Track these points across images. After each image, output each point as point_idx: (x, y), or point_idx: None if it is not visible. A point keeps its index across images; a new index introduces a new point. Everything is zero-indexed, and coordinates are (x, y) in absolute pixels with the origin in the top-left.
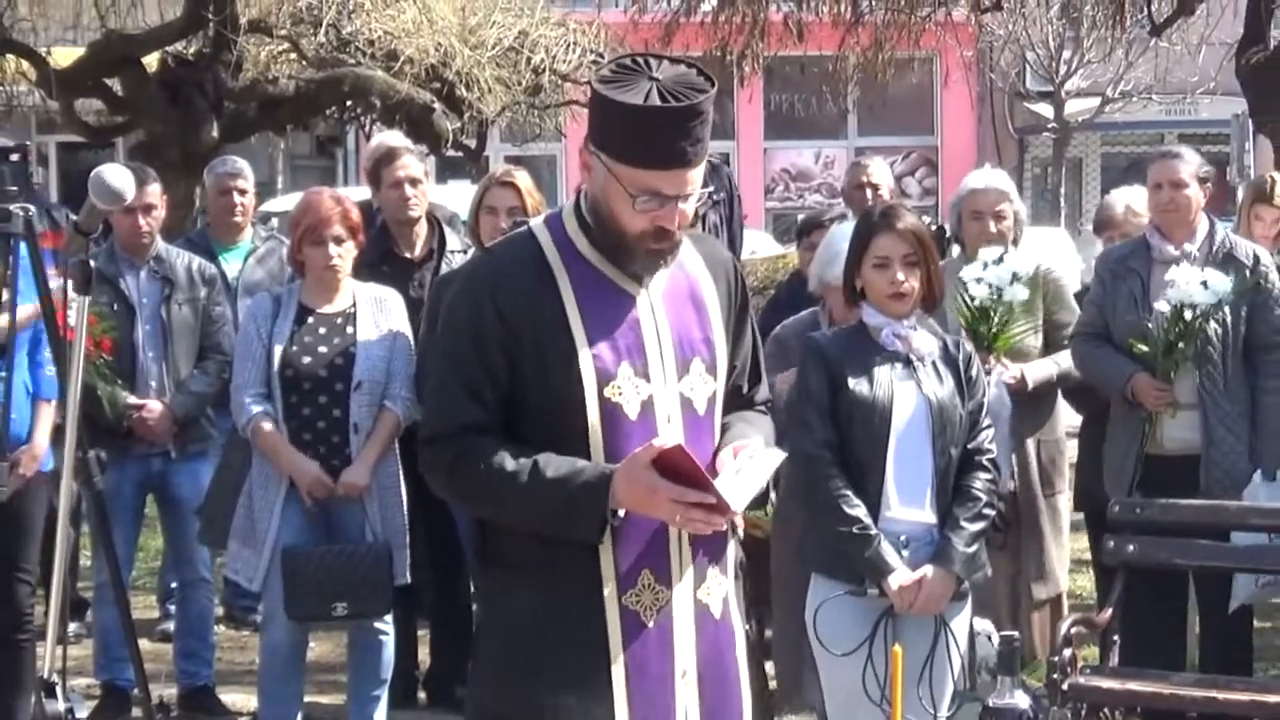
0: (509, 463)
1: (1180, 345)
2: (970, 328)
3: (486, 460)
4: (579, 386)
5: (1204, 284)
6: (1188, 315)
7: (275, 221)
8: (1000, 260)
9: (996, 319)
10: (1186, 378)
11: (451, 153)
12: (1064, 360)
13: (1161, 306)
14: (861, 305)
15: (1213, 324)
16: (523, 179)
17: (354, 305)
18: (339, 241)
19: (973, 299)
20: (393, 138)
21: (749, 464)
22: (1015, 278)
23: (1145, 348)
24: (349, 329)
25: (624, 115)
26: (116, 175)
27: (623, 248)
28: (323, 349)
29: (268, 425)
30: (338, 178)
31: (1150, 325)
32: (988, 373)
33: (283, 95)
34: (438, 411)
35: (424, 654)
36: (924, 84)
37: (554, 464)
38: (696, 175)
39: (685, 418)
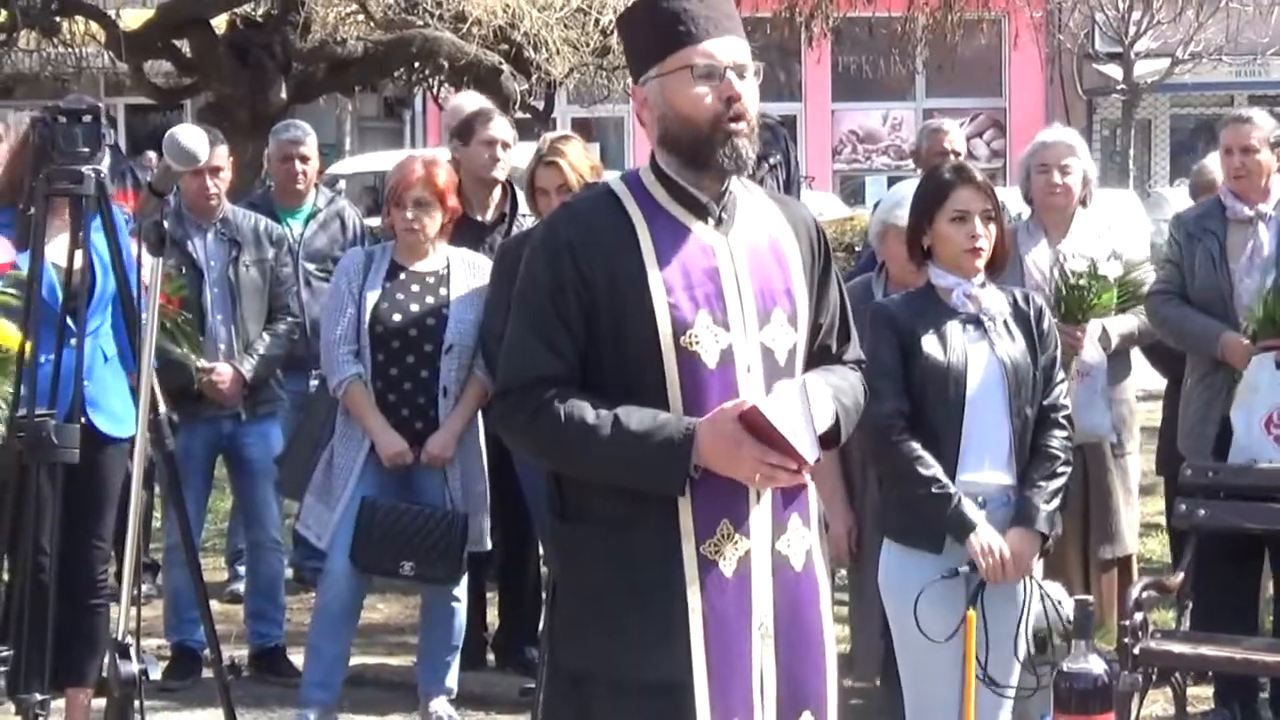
0: (590, 415)
1: None
2: (1061, 301)
3: (566, 413)
4: (655, 335)
5: None
6: None
7: (343, 184)
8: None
9: (1090, 295)
10: None
11: (519, 114)
12: (1142, 314)
13: None
14: (929, 266)
15: None
16: (572, 151)
17: (447, 267)
18: (419, 204)
19: (1075, 274)
20: (472, 99)
21: (791, 411)
22: (1114, 255)
23: (1260, 315)
24: (442, 290)
25: (651, 10)
26: (190, 136)
27: (702, 145)
28: (414, 307)
29: (359, 390)
30: (405, 140)
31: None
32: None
33: (351, 57)
34: (514, 364)
35: (492, 615)
36: (992, 45)
37: (636, 416)
38: (742, 45)
39: (765, 367)
